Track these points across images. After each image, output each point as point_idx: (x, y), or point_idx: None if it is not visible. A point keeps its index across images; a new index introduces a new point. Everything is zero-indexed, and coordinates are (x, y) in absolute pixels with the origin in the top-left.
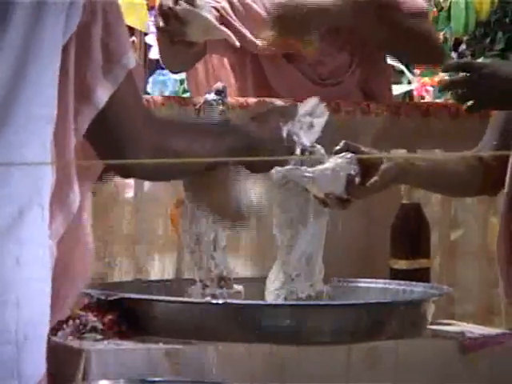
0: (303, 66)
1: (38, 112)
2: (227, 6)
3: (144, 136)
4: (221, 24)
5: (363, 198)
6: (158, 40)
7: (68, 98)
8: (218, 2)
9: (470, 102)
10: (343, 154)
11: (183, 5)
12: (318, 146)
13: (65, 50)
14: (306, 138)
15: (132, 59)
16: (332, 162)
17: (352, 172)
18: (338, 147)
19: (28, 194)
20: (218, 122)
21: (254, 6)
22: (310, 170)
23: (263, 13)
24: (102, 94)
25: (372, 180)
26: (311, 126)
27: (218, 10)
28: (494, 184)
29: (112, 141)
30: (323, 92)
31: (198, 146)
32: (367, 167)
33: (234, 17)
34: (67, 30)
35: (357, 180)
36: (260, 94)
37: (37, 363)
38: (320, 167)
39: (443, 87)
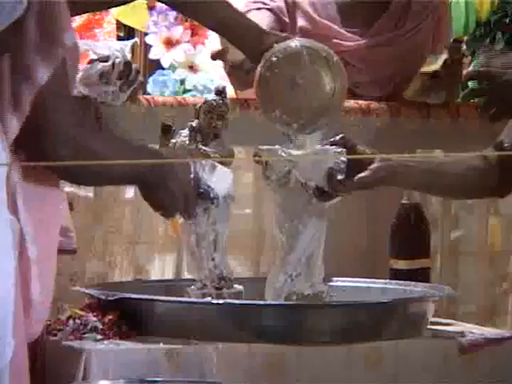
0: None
1: None
2: (283, 5)
3: (65, 129)
4: (276, 23)
5: (345, 192)
6: (230, 77)
7: (4, 81)
8: (274, 2)
9: (492, 111)
10: (333, 147)
11: None
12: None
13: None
14: (209, 180)
15: (70, 40)
16: (321, 150)
17: (335, 166)
18: (334, 139)
19: None
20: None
21: (303, 4)
22: (293, 153)
23: (311, 11)
24: (43, 72)
25: (360, 175)
26: (214, 168)
27: (273, 12)
28: (503, 185)
29: (33, 129)
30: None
31: (114, 155)
32: (360, 163)
33: (287, 17)
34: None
35: (338, 175)
36: None
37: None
38: (304, 152)
39: (465, 97)
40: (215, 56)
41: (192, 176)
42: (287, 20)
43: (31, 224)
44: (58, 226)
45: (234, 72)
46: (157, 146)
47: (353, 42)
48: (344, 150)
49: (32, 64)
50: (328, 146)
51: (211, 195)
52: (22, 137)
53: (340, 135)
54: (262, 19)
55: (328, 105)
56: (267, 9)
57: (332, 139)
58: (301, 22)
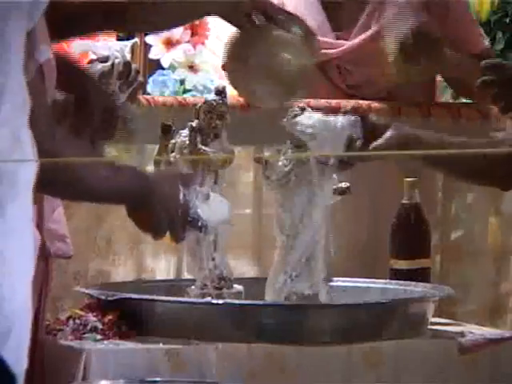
0: (333, 73)
1: None
2: None
3: (41, 141)
4: None
5: (363, 161)
6: None
7: None
8: None
9: (502, 103)
10: (348, 115)
11: None
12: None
13: None
14: (200, 209)
15: (44, 54)
16: (335, 121)
17: (354, 134)
18: (346, 109)
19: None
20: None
21: None
22: (310, 124)
23: None
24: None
25: (375, 143)
26: (207, 197)
27: None
28: (509, 178)
29: None
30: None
31: (93, 175)
32: (373, 132)
33: None
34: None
35: (358, 143)
36: None
37: (18, 359)
38: (322, 124)
39: (477, 87)
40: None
41: (181, 201)
42: None
43: None
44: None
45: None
46: (157, 146)
47: (341, 48)
48: (359, 117)
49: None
50: (343, 117)
51: (199, 224)
52: None
53: (351, 105)
54: None
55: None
56: None
57: (343, 110)
58: None
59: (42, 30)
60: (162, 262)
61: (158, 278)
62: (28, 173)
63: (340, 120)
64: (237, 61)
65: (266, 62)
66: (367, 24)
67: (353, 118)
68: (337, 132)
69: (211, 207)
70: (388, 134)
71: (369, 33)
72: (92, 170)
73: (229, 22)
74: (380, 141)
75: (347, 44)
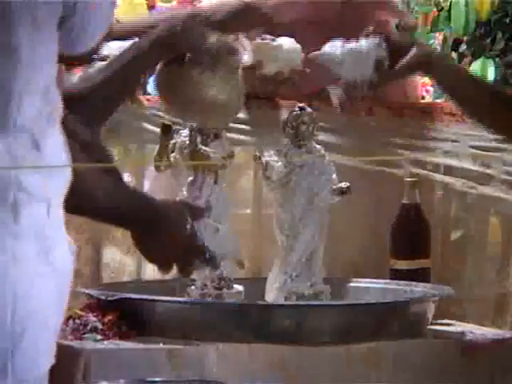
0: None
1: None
2: None
3: None
4: None
5: (390, 81)
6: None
7: None
8: None
9: None
10: (371, 37)
11: None
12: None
13: None
14: (208, 242)
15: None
16: (359, 46)
17: (379, 56)
18: (367, 30)
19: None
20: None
21: None
22: (334, 52)
23: None
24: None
25: (401, 63)
26: (217, 230)
27: None
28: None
29: None
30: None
31: (105, 193)
32: (397, 52)
33: None
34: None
35: (385, 64)
36: None
37: (33, 360)
38: (346, 50)
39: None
40: (247, 69)
41: (189, 232)
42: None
43: None
44: None
45: (266, 85)
46: (157, 146)
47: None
48: (382, 38)
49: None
50: (366, 39)
51: (207, 257)
52: None
53: (370, 27)
54: None
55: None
56: None
57: (364, 32)
58: None
59: None
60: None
61: (156, 278)
62: (44, 180)
63: (364, 43)
64: (169, 94)
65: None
66: None
67: (377, 39)
68: (363, 56)
69: (221, 241)
70: (412, 52)
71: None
72: (105, 189)
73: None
74: (405, 60)
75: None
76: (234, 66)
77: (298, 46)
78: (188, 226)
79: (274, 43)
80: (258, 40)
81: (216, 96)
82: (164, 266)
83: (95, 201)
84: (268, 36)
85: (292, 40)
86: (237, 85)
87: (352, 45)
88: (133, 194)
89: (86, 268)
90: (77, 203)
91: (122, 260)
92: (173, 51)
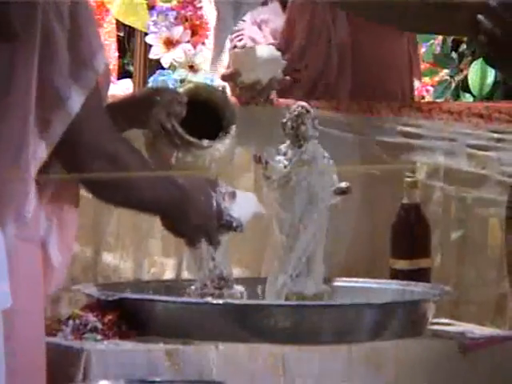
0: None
1: None
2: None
3: (100, 148)
4: None
5: None
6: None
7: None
8: (251, 30)
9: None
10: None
11: None
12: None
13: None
14: (231, 209)
15: (102, 62)
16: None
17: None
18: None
19: None
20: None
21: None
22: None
23: (271, 37)
24: (75, 101)
25: None
26: (234, 195)
27: (251, 39)
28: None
29: (69, 148)
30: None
31: (139, 184)
32: None
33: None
34: None
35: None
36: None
37: None
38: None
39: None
40: (227, 78)
41: (214, 206)
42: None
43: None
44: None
45: (246, 93)
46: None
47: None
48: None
49: (63, 87)
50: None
51: (234, 224)
52: (57, 152)
53: None
54: (255, 35)
55: None
56: (247, 37)
57: None
58: None
59: (97, 34)
60: (161, 263)
61: (156, 278)
62: None
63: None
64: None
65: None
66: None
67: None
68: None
69: (240, 205)
70: None
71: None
72: (139, 180)
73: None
74: None
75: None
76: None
77: (278, 53)
78: (213, 201)
79: (251, 52)
80: (236, 49)
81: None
82: (193, 242)
83: (141, 194)
84: (248, 43)
85: (271, 48)
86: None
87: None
88: (167, 183)
89: (82, 275)
90: (120, 196)
91: (118, 265)
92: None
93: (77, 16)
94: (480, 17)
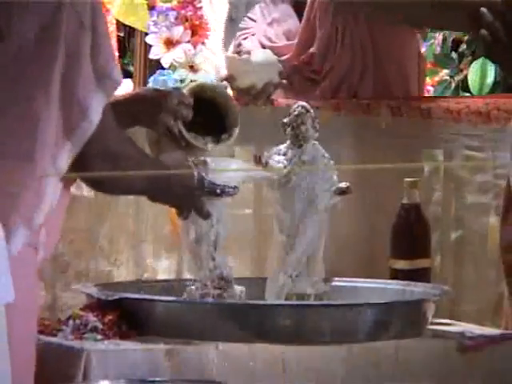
0: (300, 69)
1: None
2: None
3: (107, 149)
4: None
5: None
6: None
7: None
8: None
9: None
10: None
11: None
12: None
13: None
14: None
15: (119, 73)
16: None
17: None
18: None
19: None
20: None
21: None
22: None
23: (273, 36)
24: (97, 111)
25: None
26: (205, 163)
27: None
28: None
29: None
30: (320, 89)
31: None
32: None
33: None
34: None
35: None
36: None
37: None
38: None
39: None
40: (222, 81)
41: (195, 176)
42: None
43: None
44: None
45: (241, 96)
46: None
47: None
48: None
49: (87, 98)
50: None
51: (217, 191)
52: None
53: None
54: (254, 46)
55: None
56: (251, 35)
57: None
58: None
59: (113, 51)
60: (161, 263)
61: (156, 278)
62: None
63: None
64: None
65: None
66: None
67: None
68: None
69: (216, 171)
70: None
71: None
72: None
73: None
74: None
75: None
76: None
77: (274, 58)
78: (193, 172)
79: (244, 58)
80: (230, 54)
81: None
82: (183, 213)
83: (133, 182)
84: (244, 48)
85: (268, 53)
86: None
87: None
88: (153, 165)
89: (75, 280)
90: (118, 187)
91: (111, 270)
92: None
93: (97, 27)
94: (482, 10)
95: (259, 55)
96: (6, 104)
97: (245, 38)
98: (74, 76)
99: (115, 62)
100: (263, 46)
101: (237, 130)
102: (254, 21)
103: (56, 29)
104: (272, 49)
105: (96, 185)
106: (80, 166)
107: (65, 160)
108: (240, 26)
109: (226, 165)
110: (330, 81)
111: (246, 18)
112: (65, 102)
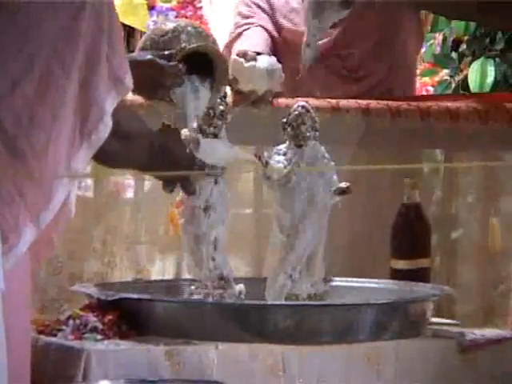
0: (332, 62)
1: None
2: (269, 23)
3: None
4: (268, 39)
5: None
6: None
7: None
8: (261, 20)
9: None
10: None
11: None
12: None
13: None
14: (200, 155)
15: (131, 80)
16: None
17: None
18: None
19: None
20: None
21: (282, 18)
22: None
23: (288, 23)
24: (110, 112)
25: None
26: (197, 142)
27: (263, 28)
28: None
29: None
30: (351, 88)
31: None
32: None
33: (275, 32)
34: None
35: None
36: (294, 95)
37: None
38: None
39: None
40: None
41: (186, 154)
42: (276, 35)
43: None
44: None
45: (240, 99)
46: None
47: (327, 38)
48: None
49: (103, 99)
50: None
51: (206, 169)
52: None
53: None
54: (258, 36)
55: None
56: (257, 26)
57: None
58: (283, 33)
59: (125, 56)
60: (161, 263)
61: (156, 278)
62: None
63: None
64: None
65: None
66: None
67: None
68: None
69: (207, 151)
70: None
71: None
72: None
73: None
74: None
75: (335, 31)
76: None
77: (279, 66)
78: (185, 149)
79: (247, 64)
80: (235, 57)
81: None
82: (168, 186)
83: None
84: (249, 53)
85: (272, 59)
86: None
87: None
88: (146, 141)
89: (69, 282)
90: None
91: (105, 272)
92: None
93: (113, 30)
94: None
95: (264, 61)
96: (23, 102)
97: (247, 29)
98: (92, 77)
99: (128, 66)
100: (279, 30)
101: (226, 86)
102: (255, 14)
103: (77, 29)
104: (294, 33)
105: (106, 159)
106: None
107: (80, 161)
108: (240, 10)
109: (216, 145)
110: (369, 83)
111: (250, 3)
112: (83, 103)
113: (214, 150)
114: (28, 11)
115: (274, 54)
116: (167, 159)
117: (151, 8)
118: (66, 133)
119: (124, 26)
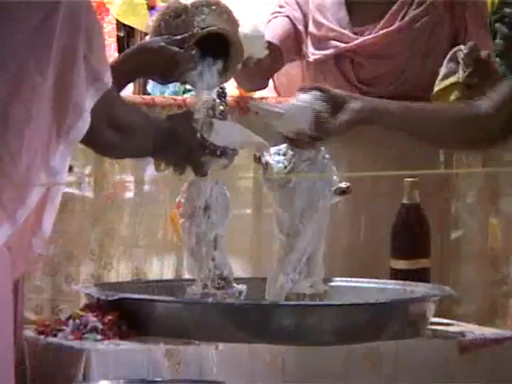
0: (346, 68)
1: None
2: (299, 14)
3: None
4: (292, 31)
5: (333, 135)
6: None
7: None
8: (290, 10)
9: None
10: (311, 91)
11: None
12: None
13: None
14: (212, 138)
15: (110, 77)
16: (299, 100)
17: (320, 108)
18: (304, 86)
19: None
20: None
21: (313, 12)
22: (279, 105)
23: (320, 16)
24: (89, 110)
25: (342, 117)
26: (211, 124)
27: (290, 18)
28: (490, 136)
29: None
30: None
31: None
32: (338, 106)
33: (302, 25)
34: None
35: (325, 116)
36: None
37: None
38: (288, 104)
39: None
40: None
41: (197, 137)
42: (301, 28)
43: None
44: None
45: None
46: None
47: (356, 41)
48: (318, 92)
49: (81, 97)
50: (306, 93)
51: (217, 152)
52: None
53: (311, 85)
54: (281, 26)
55: None
56: (284, 16)
57: (303, 87)
58: (310, 27)
59: (105, 54)
60: (161, 263)
61: (156, 278)
62: None
63: (302, 97)
64: None
65: None
66: (391, 22)
67: (313, 92)
68: (303, 109)
69: (220, 133)
70: (353, 104)
71: (385, 30)
72: (139, 132)
73: None
74: (348, 113)
75: (361, 39)
76: None
77: (262, 33)
78: (196, 133)
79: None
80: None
81: None
82: (179, 169)
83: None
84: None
85: (256, 26)
86: None
87: (292, 99)
88: (156, 128)
89: (65, 283)
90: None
91: (102, 274)
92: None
93: (91, 28)
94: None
95: (247, 28)
96: None
97: (275, 17)
98: (69, 76)
99: (107, 64)
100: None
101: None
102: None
103: (50, 29)
104: (321, 26)
105: (107, 151)
106: (90, 137)
107: (59, 158)
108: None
109: (230, 127)
110: (404, 89)
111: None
112: (60, 102)
113: (227, 132)
114: None
115: (297, 46)
116: (177, 142)
117: (151, 8)
118: (42, 131)
119: (124, 25)
